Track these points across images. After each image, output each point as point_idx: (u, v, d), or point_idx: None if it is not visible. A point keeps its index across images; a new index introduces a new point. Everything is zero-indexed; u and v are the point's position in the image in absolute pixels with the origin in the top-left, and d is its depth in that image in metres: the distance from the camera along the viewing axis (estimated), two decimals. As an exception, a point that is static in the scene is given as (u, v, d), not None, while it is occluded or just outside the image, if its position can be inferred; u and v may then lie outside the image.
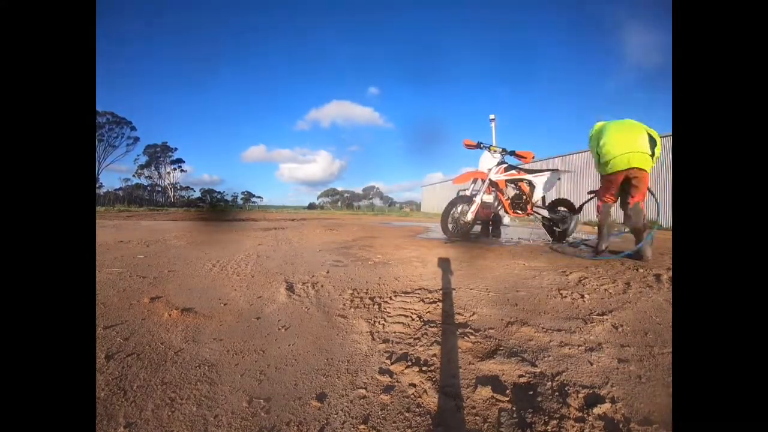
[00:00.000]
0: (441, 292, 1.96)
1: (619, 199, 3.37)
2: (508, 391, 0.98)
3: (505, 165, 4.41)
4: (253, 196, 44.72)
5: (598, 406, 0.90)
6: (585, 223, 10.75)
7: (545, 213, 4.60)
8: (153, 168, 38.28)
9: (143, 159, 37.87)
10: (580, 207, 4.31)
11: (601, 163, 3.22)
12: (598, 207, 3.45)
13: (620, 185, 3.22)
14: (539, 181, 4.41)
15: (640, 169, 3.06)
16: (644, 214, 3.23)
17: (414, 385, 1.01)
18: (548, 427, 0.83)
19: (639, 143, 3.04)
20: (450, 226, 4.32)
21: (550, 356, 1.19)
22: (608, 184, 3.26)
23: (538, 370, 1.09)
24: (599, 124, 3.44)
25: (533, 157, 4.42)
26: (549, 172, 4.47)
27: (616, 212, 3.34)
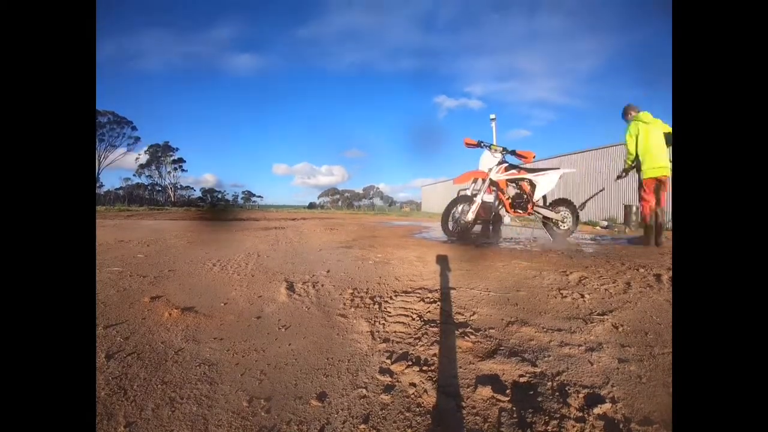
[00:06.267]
0: (441, 291, 1.96)
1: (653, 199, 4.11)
2: (508, 391, 0.98)
3: (506, 164, 4.40)
4: (253, 195, 44.74)
5: (599, 406, 0.90)
6: (585, 223, 10.75)
7: (546, 212, 4.59)
8: (153, 167, 38.33)
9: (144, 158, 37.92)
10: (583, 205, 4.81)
11: (644, 168, 4.03)
12: (645, 206, 4.11)
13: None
14: (540, 180, 4.40)
15: (667, 177, 3.98)
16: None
17: (414, 385, 1.01)
18: (548, 427, 0.83)
19: (668, 155, 4.01)
20: (450, 226, 4.32)
21: (550, 356, 1.19)
22: (649, 187, 4.06)
23: (539, 370, 1.09)
24: (637, 124, 4.14)
25: (534, 157, 4.42)
26: (551, 171, 4.46)
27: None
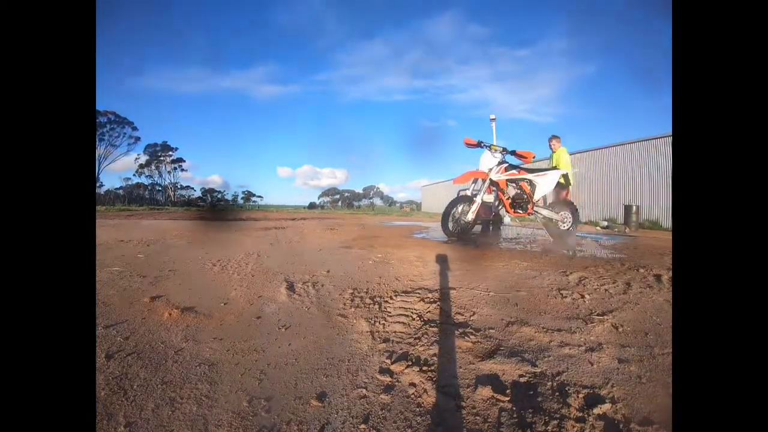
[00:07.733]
0: (441, 291, 1.96)
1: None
2: (508, 391, 0.98)
3: (506, 164, 4.40)
4: (253, 195, 44.59)
5: (599, 406, 0.90)
6: (585, 223, 10.75)
7: (546, 213, 4.59)
8: (153, 167, 38.25)
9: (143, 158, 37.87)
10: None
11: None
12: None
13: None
14: (540, 180, 4.40)
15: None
16: None
17: (414, 385, 1.01)
18: (548, 427, 0.83)
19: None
20: (450, 226, 4.32)
21: (550, 356, 1.19)
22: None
23: (539, 370, 1.09)
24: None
25: (534, 157, 4.41)
26: (551, 172, 4.46)
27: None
